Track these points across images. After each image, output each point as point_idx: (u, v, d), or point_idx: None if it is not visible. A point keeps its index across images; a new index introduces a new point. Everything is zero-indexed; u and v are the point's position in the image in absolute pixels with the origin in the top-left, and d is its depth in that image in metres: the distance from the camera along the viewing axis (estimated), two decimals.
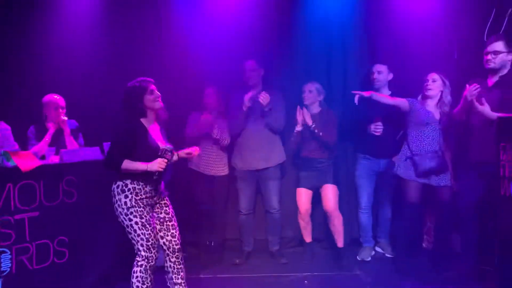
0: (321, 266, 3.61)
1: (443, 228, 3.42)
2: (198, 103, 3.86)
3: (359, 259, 3.74)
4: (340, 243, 3.65)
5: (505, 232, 2.51)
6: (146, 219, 2.56)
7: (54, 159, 3.10)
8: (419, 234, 3.74)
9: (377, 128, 3.53)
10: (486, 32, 3.49)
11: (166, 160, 2.55)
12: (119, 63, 4.00)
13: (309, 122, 3.49)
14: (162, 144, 2.65)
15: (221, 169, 3.85)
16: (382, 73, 3.64)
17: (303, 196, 3.67)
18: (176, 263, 2.74)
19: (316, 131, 3.48)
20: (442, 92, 3.30)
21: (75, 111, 3.58)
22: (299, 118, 3.52)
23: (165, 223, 2.71)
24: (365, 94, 3.28)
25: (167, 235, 2.71)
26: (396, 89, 3.71)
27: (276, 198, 3.76)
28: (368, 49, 4.00)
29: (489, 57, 3.01)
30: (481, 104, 2.93)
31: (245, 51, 3.92)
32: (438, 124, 3.28)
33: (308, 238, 3.78)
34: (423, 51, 3.78)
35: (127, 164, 2.51)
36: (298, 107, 3.56)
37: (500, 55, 2.98)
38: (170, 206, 2.75)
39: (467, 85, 3.06)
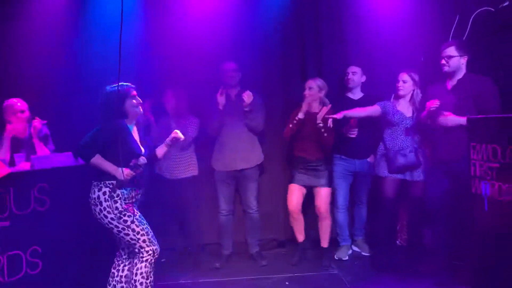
0: (301, 267, 3.63)
1: (414, 222, 3.53)
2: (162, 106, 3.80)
3: (336, 258, 3.79)
4: (325, 243, 3.70)
5: (478, 228, 2.61)
6: (138, 215, 2.62)
7: (25, 166, 2.95)
8: (394, 231, 3.84)
9: (352, 131, 3.59)
10: (450, 37, 3.64)
11: (133, 174, 2.54)
12: (90, 66, 3.83)
13: (318, 120, 3.40)
14: (139, 150, 2.60)
15: (186, 171, 3.78)
16: (356, 74, 3.73)
17: (294, 192, 3.63)
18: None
19: (322, 130, 3.41)
20: (413, 90, 3.43)
21: (45, 116, 3.40)
22: (305, 107, 3.46)
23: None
24: (337, 116, 3.29)
25: None
26: (367, 91, 3.81)
27: (255, 198, 3.76)
28: (340, 52, 4.07)
29: (443, 61, 3.15)
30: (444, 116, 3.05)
31: (217, 53, 3.89)
32: (411, 122, 3.39)
33: (300, 237, 3.72)
34: (392, 54, 3.87)
35: (99, 160, 2.51)
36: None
37: (453, 59, 3.11)
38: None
39: (429, 86, 3.25)
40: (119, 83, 2.51)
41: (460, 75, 3.16)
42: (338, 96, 3.92)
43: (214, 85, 3.72)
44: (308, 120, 3.50)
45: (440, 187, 3.21)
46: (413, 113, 3.42)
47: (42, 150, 3.29)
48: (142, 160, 2.60)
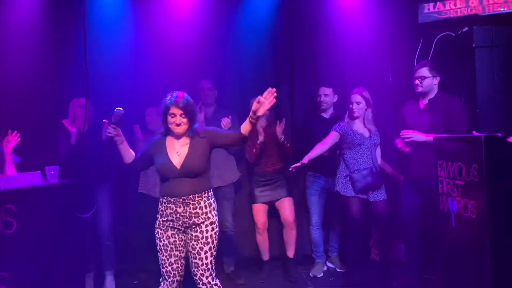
0: (277, 285, 3.60)
1: (384, 240, 3.58)
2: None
3: (311, 275, 3.78)
4: (291, 253, 3.73)
5: (446, 244, 2.68)
6: (163, 244, 2.48)
7: None
8: (367, 246, 3.88)
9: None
10: (416, 58, 3.79)
11: (110, 126, 2.47)
12: (61, 76, 3.76)
13: (279, 135, 3.50)
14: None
15: None
16: (328, 96, 3.79)
17: (260, 211, 3.68)
18: None
19: (285, 142, 3.53)
20: (366, 110, 3.47)
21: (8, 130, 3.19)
22: (260, 128, 3.53)
23: (191, 258, 2.48)
24: (303, 161, 3.30)
25: (192, 268, 2.48)
26: (338, 109, 3.87)
27: (231, 217, 3.74)
28: (311, 72, 4.16)
29: (417, 81, 3.23)
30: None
31: (195, 69, 3.90)
32: (370, 141, 3.44)
33: (265, 256, 3.79)
34: (362, 75, 3.99)
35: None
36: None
37: (426, 80, 3.20)
38: (202, 240, 2.43)
39: (403, 106, 3.34)
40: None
41: (432, 95, 3.23)
42: (310, 115, 3.99)
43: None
44: (267, 135, 3.58)
45: (412, 204, 3.27)
46: (369, 133, 3.45)
47: (11, 169, 3.15)
48: (117, 110, 2.48)
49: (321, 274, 3.81)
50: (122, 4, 3.96)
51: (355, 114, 3.44)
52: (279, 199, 3.68)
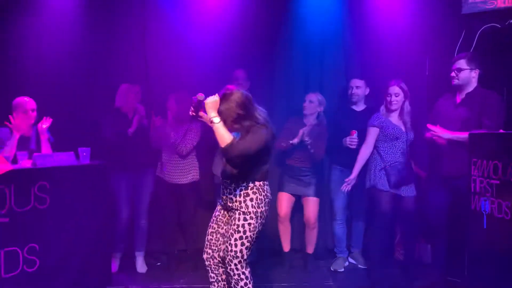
0: (296, 277, 3.56)
1: (409, 238, 3.46)
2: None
3: (332, 269, 3.72)
4: (310, 250, 3.71)
5: (474, 245, 2.54)
6: (214, 214, 2.64)
7: (27, 164, 2.94)
8: (391, 245, 3.76)
9: (352, 142, 3.52)
10: (456, 50, 3.58)
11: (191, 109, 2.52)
12: (94, 66, 3.87)
13: (306, 138, 3.45)
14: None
15: (187, 176, 3.71)
16: (360, 88, 3.67)
17: (284, 200, 3.64)
18: (229, 275, 2.53)
19: (309, 147, 3.45)
20: (403, 102, 3.33)
21: (48, 114, 3.37)
22: (300, 131, 3.47)
23: (223, 239, 2.57)
24: (350, 179, 3.33)
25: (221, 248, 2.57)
26: (369, 102, 3.76)
27: None
28: (344, 64, 4.05)
29: (453, 74, 3.07)
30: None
31: (223, 58, 3.89)
32: (406, 136, 3.31)
33: (286, 247, 3.74)
34: (396, 68, 3.83)
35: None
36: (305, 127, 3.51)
37: (463, 72, 3.03)
38: (234, 227, 2.47)
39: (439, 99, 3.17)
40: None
41: (470, 88, 3.06)
42: (341, 108, 3.89)
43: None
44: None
45: (441, 202, 3.13)
46: (405, 127, 3.32)
47: (47, 149, 3.29)
48: (199, 96, 2.49)
49: (342, 269, 3.75)
50: None
51: (393, 107, 3.31)
52: (305, 196, 3.63)
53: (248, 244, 2.47)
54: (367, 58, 3.96)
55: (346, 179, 3.32)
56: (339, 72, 4.05)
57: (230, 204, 2.52)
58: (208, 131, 3.65)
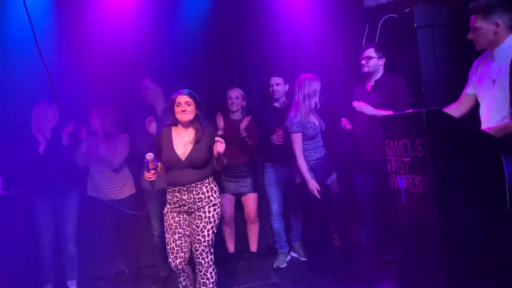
0: (241, 279, 3.50)
1: (341, 224, 3.56)
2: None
3: (275, 266, 3.71)
4: (254, 248, 3.73)
5: (398, 221, 2.65)
6: (168, 223, 2.67)
7: None
8: (328, 233, 3.84)
9: (279, 139, 3.57)
10: (363, 42, 3.78)
11: (150, 173, 2.52)
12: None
13: (242, 129, 3.45)
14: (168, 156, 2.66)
15: (122, 191, 3.56)
16: (280, 85, 3.73)
17: (227, 202, 3.63)
18: (198, 275, 2.69)
19: (247, 139, 3.47)
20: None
21: None
22: (220, 124, 3.47)
23: (193, 235, 2.66)
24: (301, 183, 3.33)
25: (193, 247, 2.67)
26: (290, 98, 3.81)
27: None
28: (263, 63, 4.09)
29: (363, 62, 3.23)
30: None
31: (139, 67, 3.74)
32: (321, 130, 3.38)
33: (231, 248, 3.73)
34: (313, 63, 3.96)
35: None
36: (219, 113, 3.51)
37: (372, 60, 3.21)
38: (205, 220, 2.65)
39: (353, 89, 3.30)
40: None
41: (378, 76, 3.25)
42: (264, 106, 3.92)
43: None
44: (231, 127, 3.51)
45: (366, 185, 3.26)
46: (318, 121, 3.39)
47: None
48: (148, 156, 2.51)
49: (285, 265, 3.75)
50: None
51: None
52: (244, 194, 3.64)
53: (215, 230, 2.69)
54: (285, 56, 4.03)
55: (311, 189, 3.27)
56: (259, 71, 4.08)
57: (199, 203, 2.65)
58: (136, 145, 3.52)
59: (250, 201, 3.64)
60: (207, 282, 2.66)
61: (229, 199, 3.66)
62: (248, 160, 3.64)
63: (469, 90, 2.58)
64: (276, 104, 3.81)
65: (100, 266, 3.64)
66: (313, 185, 3.26)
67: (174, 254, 2.64)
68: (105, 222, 3.62)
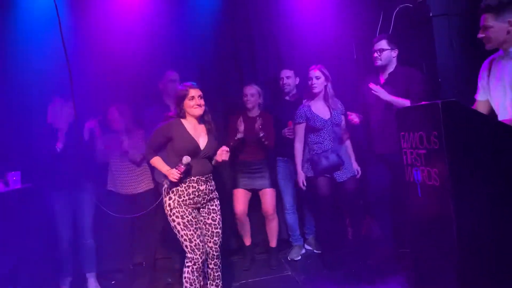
0: (255, 272, 3.51)
1: (355, 218, 3.51)
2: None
3: (289, 259, 3.71)
4: (273, 243, 3.68)
5: (414, 214, 2.61)
6: (188, 219, 2.55)
7: None
8: (343, 226, 3.81)
9: (291, 132, 3.52)
10: (377, 33, 3.69)
11: (178, 172, 2.49)
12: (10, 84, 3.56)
13: (258, 130, 3.40)
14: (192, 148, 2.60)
15: (140, 186, 3.57)
16: (290, 78, 3.68)
17: (240, 197, 3.59)
18: (214, 269, 2.70)
19: (263, 139, 3.42)
20: (325, 86, 3.34)
21: None
22: (240, 127, 3.42)
23: (210, 230, 2.67)
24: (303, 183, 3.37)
25: (209, 242, 2.66)
26: (302, 91, 3.77)
27: None
28: (273, 55, 4.04)
29: (376, 54, 3.15)
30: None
31: (153, 63, 3.73)
32: (330, 123, 3.32)
33: (248, 241, 3.71)
34: (323, 54, 3.89)
35: (155, 162, 2.66)
36: (241, 117, 3.47)
37: (385, 52, 3.13)
38: (219, 212, 2.71)
39: (365, 81, 3.22)
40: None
41: (391, 68, 3.17)
42: (275, 100, 3.88)
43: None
44: (248, 124, 3.46)
45: (381, 178, 3.21)
46: (330, 113, 3.34)
47: None
48: (186, 159, 2.49)
49: (299, 257, 3.74)
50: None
51: (315, 90, 3.33)
52: (261, 189, 3.60)
53: None
54: (296, 49, 3.98)
55: (298, 181, 3.38)
56: (270, 65, 4.04)
57: (211, 195, 2.69)
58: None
59: (268, 196, 3.58)
60: (220, 274, 2.72)
61: (244, 193, 3.63)
62: (265, 157, 3.60)
63: (481, 96, 2.48)
64: (287, 98, 3.77)
65: (118, 258, 3.67)
66: (300, 177, 3.31)
67: (201, 250, 2.54)
68: (123, 216, 3.63)
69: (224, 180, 3.91)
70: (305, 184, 3.35)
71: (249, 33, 4.04)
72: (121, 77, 3.72)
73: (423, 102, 2.78)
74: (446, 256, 2.29)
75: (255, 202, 3.69)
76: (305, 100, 3.43)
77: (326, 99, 3.35)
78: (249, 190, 3.62)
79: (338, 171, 3.30)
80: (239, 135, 3.43)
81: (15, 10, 3.60)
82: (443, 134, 2.24)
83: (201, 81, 3.87)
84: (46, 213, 3.21)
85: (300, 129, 3.33)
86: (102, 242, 3.59)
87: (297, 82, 3.74)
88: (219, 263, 2.70)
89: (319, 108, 3.35)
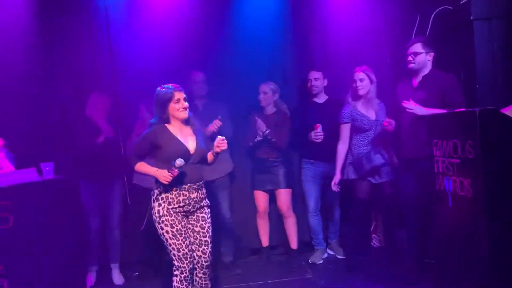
0: (275, 273, 3.49)
1: (389, 222, 3.43)
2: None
3: (310, 262, 3.66)
4: (293, 245, 3.66)
5: (443, 225, 2.50)
6: (177, 229, 2.46)
7: None
8: (367, 233, 3.72)
9: (317, 136, 3.44)
10: (413, 35, 3.56)
11: (170, 175, 2.38)
12: (55, 75, 3.63)
13: (263, 129, 3.46)
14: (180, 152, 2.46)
15: None
16: (318, 80, 3.62)
17: (261, 197, 3.68)
18: (202, 278, 2.59)
19: (269, 137, 3.46)
20: (369, 88, 3.28)
21: (7, 129, 3.19)
22: (262, 128, 3.45)
23: (198, 238, 2.56)
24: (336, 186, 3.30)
25: (198, 250, 2.55)
26: (331, 93, 3.71)
27: (228, 207, 3.65)
28: (303, 56, 3.97)
29: (410, 58, 3.05)
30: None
31: (181, 62, 3.75)
32: (376, 124, 3.26)
33: (265, 242, 3.75)
34: (358, 57, 3.79)
35: (140, 167, 2.53)
36: (257, 118, 3.48)
37: (419, 56, 3.01)
38: (208, 220, 2.60)
39: (398, 85, 3.14)
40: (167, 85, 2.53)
41: (425, 71, 3.05)
42: (303, 101, 3.82)
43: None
44: (264, 121, 3.50)
45: (411, 190, 3.09)
46: (375, 114, 3.27)
47: (7, 166, 3.14)
48: (179, 161, 2.37)
49: (321, 261, 3.69)
50: None
51: (360, 92, 3.25)
52: (277, 189, 3.62)
53: None
54: (327, 50, 3.90)
55: (333, 182, 3.29)
56: (298, 66, 3.98)
57: (201, 203, 2.57)
58: None
59: (282, 195, 3.61)
60: (209, 283, 2.61)
61: (263, 194, 3.69)
62: (279, 155, 3.59)
63: None
64: (316, 99, 3.71)
65: (143, 251, 3.73)
66: (337, 179, 3.25)
67: (189, 259, 2.47)
68: (145, 210, 3.68)
69: (246, 182, 3.86)
70: (339, 186, 3.28)
71: (284, 37, 3.98)
72: (153, 75, 3.75)
73: (458, 109, 2.67)
74: (474, 274, 2.18)
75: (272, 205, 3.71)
76: (349, 102, 3.35)
77: (370, 101, 3.29)
78: (266, 191, 3.66)
79: (378, 173, 3.24)
80: (259, 138, 3.45)
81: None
82: (478, 144, 2.15)
83: (228, 83, 3.90)
84: (76, 204, 3.29)
85: (345, 129, 3.26)
86: (129, 234, 3.67)
87: (325, 84, 3.67)
88: (208, 273, 2.58)
89: (365, 109, 3.29)
